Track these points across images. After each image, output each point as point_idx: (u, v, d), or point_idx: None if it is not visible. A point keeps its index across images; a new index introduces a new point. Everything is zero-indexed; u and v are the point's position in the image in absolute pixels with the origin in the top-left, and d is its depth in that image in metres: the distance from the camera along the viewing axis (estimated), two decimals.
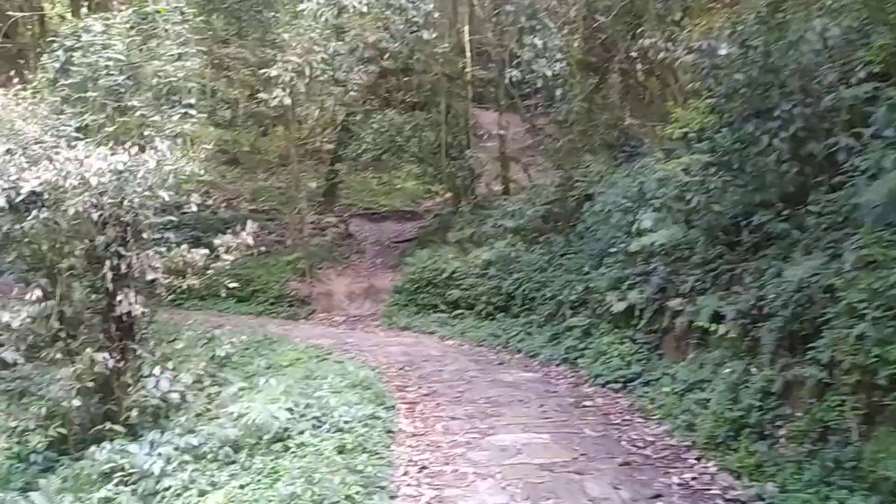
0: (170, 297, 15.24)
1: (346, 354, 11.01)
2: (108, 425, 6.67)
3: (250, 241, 7.86)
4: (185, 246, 7.73)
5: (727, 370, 6.65)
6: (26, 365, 7.05)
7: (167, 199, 6.61)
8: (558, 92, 13.13)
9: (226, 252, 7.83)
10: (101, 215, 6.59)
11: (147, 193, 6.45)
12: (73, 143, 6.39)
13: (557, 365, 10.23)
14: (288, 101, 12.33)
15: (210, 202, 22.72)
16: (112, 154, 6.21)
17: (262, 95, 14.03)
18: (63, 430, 6.57)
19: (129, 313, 6.87)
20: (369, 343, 12.29)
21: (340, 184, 25.05)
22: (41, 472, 6.86)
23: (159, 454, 6.22)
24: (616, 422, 7.66)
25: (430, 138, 17.28)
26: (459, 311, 14.00)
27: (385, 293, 15.99)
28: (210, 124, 26.61)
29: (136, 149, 6.42)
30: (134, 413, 6.70)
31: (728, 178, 7.01)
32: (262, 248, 18.90)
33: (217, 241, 7.91)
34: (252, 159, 26.46)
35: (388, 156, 17.76)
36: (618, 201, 10.41)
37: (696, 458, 6.45)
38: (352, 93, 16.38)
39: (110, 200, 6.39)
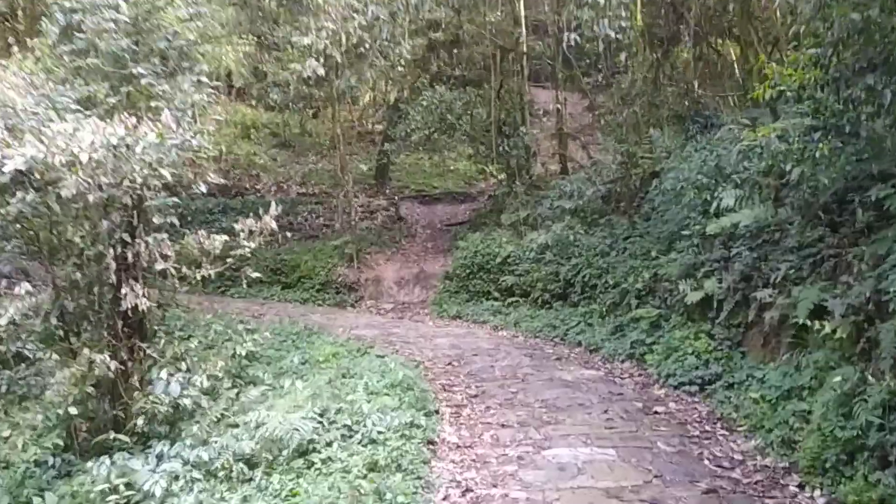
0: (214, 285, 14.52)
1: (390, 348, 10.06)
2: (112, 434, 5.84)
3: (273, 225, 6.91)
4: (202, 232, 6.82)
5: (836, 377, 5.41)
6: (27, 365, 6.30)
7: (169, 178, 5.67)
8: (622, 56, 11.82)
9: (248, 237, 6.86)
10: (101, 197, 5.72)
11: (148, 172, 5.55)
12: (66, 117, 5.51)
13: (622, 361, 9.06)
14: (321, 70, 11.31)
15: (257, 184, 22.23)
16: (107, 127, 5.32)
17: (293, 66, 13.03)
18: (60, 441, 5.77)
19: (136, 308, 6.01)
20: (416, 334, 11.31)
21: (392, 166, 24.23)
22: (56, 478, 6.12)
23: (164, 471, 5.36)
24: (695, 434, 6.49)
25: (483, 115, 16.11)
26: (513, 299, 12.91)
27: (435, 279, 15.00)
28: (261, 106, 26.11)
29: (133, 120, 5.52)
30: (140, 421, 5.85)
31: (838, 145, 5.75)
32: (311, 233, 18.30)
33: (238, 226, 6.95)
34: (302, 142, 25.81)
35: (438, 135, 16.64)
36: (691, 178, 9.13)
37: (797, 486, 5.27)
38: (399, 67, 15.35)
39: (107, 180, 5.50)
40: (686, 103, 11.90)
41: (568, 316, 11.27)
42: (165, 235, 6.40)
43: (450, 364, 9.27)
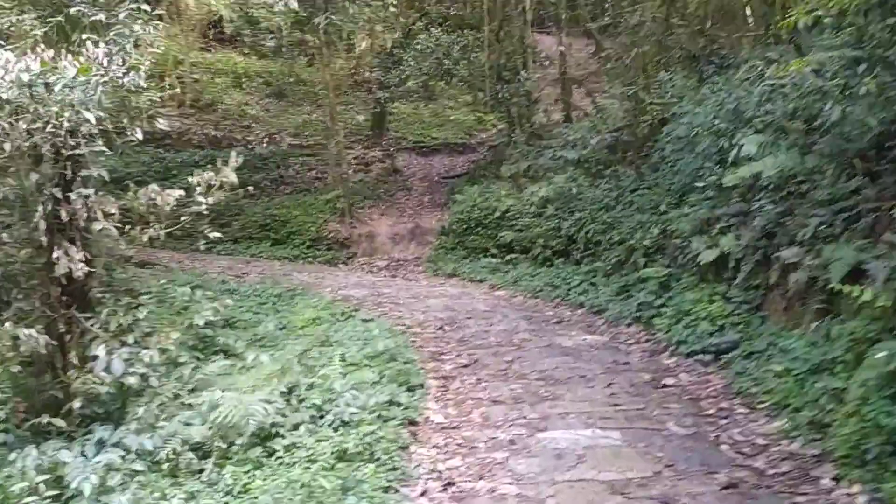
0: (203, 242, 13.70)
1: (378, 310, 9.30)
2: (45, 419, 5.10)
3: (234, 178, 6.04)
4: (153, 186, 5.98)
5: (879, 353, 4.61)
6: None
7: (93, 121, 4.80)
8: None
9: (205, 193, 6.02)
10: (20, 146, 4.87)
11: (70, 115, 4.69)
12: None
13: (628, 325, 8.26)
14: (294, 3, 10.32)
15: (249, 136, 21.26)
16: (19, 62, 4.45)
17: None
18: None
19: (71, 274, 5.21)
20: (408, 294, 10.54)
21: (390, 116, 23.21)
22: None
23: (99, 463, 4.63)
24: (710, 412, 5.72)
25: (482, 60, 15.09)
26: (513, 256, 12.10)
27: (431, 235, 14.18)
28: (254, 55, 24.93)
29: (51, 53, 4.65)
30: (76, 404, 5.10)
31: (885, 80, 4.85)
32: (302, 186, 17.43)
33: (193, 179, 6.11)
34: (296, 91, 24.73)
35: (434, 82, 15.64)
36: (706, 123, 8.21)
37: (832, 479, 4.51)
38: (391, 8, 14.30)
39: (24, 125, 4.65)
40: (700, 42, 10.87)
41: (570, 275, 10.46)
42: (97, 192, 5.51)
43: (441, 329, 8.51)
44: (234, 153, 6.27)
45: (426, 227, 14.73)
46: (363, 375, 6.07)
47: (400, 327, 8.39)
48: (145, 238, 5.61)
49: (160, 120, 6.09)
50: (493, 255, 12.43)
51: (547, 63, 21.71)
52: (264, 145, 20.81)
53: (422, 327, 8.51)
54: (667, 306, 7.90)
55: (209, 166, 6.33)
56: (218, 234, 6.41)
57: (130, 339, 5.51)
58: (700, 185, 8.26)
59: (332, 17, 12.98)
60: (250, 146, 20.40)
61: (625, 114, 12.32)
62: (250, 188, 7.20)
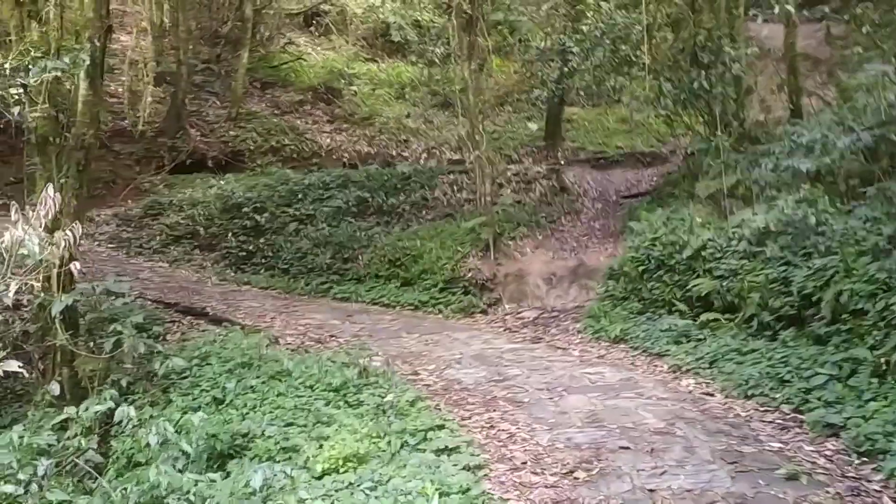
0: (319, 281, 11.04)
1: (482, 418, 5.73)
2: None
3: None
4: None
5: None
6: None
7: None
8: None
9: None
10: None
11: None
12: None
13: None
14: None
15: (405, 151, 18.52)
16: None
17: None
18: None
19: None
20: (542, 381, 6.80)
21: (568, 124, 19.53)
22: None
23: None
24: None
25: (670, 40, 11.00)
26: (710, 317, 7.97)
27: (600, 276, 10.32)
28: (421, 63, 22.17)
29: None
30: None
31: None
32: (447, 210, 14.24)
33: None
34: (465, 100, 21.71)
35: (607, 74, 11.77)
36: None
37: None
38: None
39: None
40: None
41: (809, 361, 6.20)
42: None
43: (571, 474, 4.75)
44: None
45: (593, 264, 10.89)
46: None
47: (500, 467, 4.78)
48: None
49: None
50: (681, 314, 8.37)
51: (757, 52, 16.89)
52: (422, 161, 18.01)
53: (537, 469, 4.81)
54: None
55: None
56: None
57: None
58: None
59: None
60: (408, 161, 17.70)
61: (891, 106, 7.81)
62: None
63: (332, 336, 8.20)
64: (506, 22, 25.18)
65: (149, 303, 9.02)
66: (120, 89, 17.21)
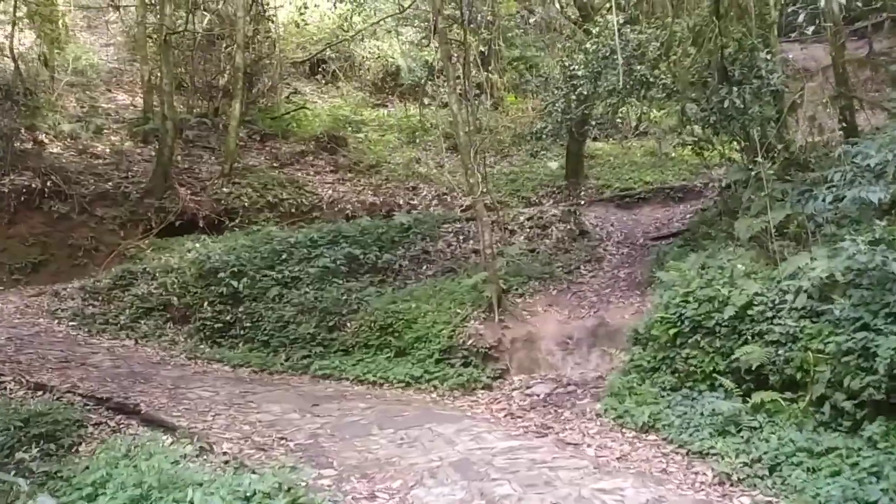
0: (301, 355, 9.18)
1: None
2: None
3: None
4: None
5: None
6: None
7: None
8: None
9: None
10: None
11: None
12: None
13: None
14: None
15: (414, 199, 16.96)
16: None
17: None
18: None
19: None
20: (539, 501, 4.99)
21: (591, 160, 17.85)
22: None
23: None
24: None
25: (692, 53, 9.26)
26: (767, 399, 6.05)
27: (623, 337, 8.44)
28: (434, 104, 20.74)
29: None
30: None
31: None
32: (449, 265, 12.52)
33: None
34: (478, 141, 20.13)
35: (619, 98, 10.02)
36: None
37: None
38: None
39: None
40: None
41: None
42: None
43: None
44: None
45: (616, 323, 9.03)
46: None
47: None
48: None
49: None
50: (727, 392, 6.46)
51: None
52: (432, 208, 16.42)
53: None
54: None
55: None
56: None
57: None
58: None
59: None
60: (415, 209, 16.14)
61: None
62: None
63: (281, 439, 6.46)
64: (522, 59, 23.82)
65: (78, 398, 7.44)
66: (108, 150, 16.09)
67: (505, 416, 7.57)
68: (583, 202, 14.03)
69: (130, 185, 14.92)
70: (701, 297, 7.14)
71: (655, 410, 6.67)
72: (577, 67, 9.54)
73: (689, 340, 7.06)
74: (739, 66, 8.64)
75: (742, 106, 8.44)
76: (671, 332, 7.24)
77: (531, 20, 20.09)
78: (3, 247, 13.55)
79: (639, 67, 9.60)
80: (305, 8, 20.31)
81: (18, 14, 19.42)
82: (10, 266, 13.46)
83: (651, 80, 9.54)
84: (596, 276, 10.58)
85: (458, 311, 9.78)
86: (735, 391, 6.41)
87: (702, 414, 6.31)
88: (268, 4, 19.57)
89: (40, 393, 7.65)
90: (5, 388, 7.75)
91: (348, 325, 10.45)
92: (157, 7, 15.92)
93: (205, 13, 18.64)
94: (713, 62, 8.86)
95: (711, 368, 6.76)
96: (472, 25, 19.44)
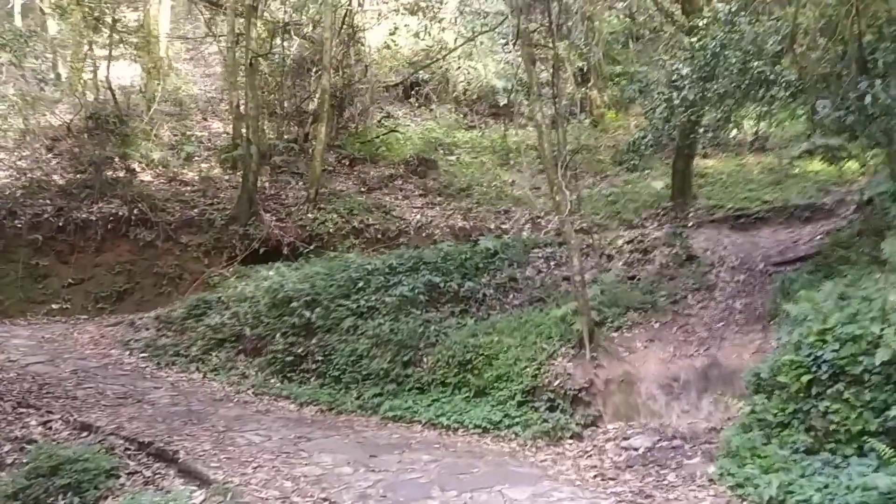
0: (374, 392, 8.11)
1: None
2: None
3: None
4: None
5: None
6: None
7: None
8: None
9: None
10: None
11: None
12: None
13: None
14: None
15: (505, 223, 15.90)
16: None
17: None
18: None
19: None
20: None
21: (701, 178, 16.29)
22: None
23: None
24: None
25: (821, 45, 7.78)
26: None
27: (741, 380, 6.98)
28: (530, 124, 19.68)
29: None
30: None
31: None
32: (537, 294, 11.32)
33: None
34: (577, 161, 18.85)
35: (732, 102, 8.61)
36: None
37: None
38: None
39: None
40: None
41: None
42: None
43: None
44: None
45: (732, 364, 7.58)
46: None
47: None
48: None
49: None
50: (880, 458, 4.99)
51: None
52: (524, 233, 15.32)
53: None
54: None
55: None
56: None
57: None
58: None
59: None
60: (503, 233, 15.12)
61: None
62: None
63: (324, 500, 5.48)
64: (625, 74, 22.43)
65: (120, 441, 6.79)
66: (196, 177, 15.98)
67: (595, 476, 6.31)
68: (691, 223, 12.53)
69: (215, 212, 14.66)
70: (842, 336, 5.68)
71: (786, 480, 5.25)
72: (680, 67, 8.22)
73: (829, 391, 5.61)
74: (884, 54, 7.10)
75: (888, 102, 6.90)
76: (804, 378, 5.80)
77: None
78: (90, 275, 13.51)
79: (756, 64, 8.20)
80: (396, 29, 19.87)
81: (122, 49, 19.94)
82: (96, 294, 13.38)
83: (771, 77, 8.10)
84: (706, 307, 9.12)
85: (545, 346, 8.59)
86: (892, 459, 4.92)
87: (849, 488, 4.86)
88: (358, 27, 19.23)
89: (84, 434, 7.07)
90: (50, 428, 7.23)
91: (425, 360, 9.47)
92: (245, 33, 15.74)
93: (294, 38, 18.48)
94: (850, 52, 7.36)
95: (860, 428, 5.29)
96: (567, 41, 18.43)
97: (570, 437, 7.51)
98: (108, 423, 7.27)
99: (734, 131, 11.43)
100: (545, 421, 7.73)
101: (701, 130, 9.24)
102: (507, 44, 13.42)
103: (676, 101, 8.62)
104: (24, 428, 7.15)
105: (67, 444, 6.79)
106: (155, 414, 7.82)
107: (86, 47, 17.22)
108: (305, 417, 8.45)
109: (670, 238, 11.17)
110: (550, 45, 13.04)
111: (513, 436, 7.65)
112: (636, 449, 6.92)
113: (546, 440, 7.49)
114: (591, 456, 6.99)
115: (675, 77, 8.94)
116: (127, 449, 6.70)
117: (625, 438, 7.28)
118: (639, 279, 10.24)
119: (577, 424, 7.65)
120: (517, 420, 7.86)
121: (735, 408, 6.77)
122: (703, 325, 8.60)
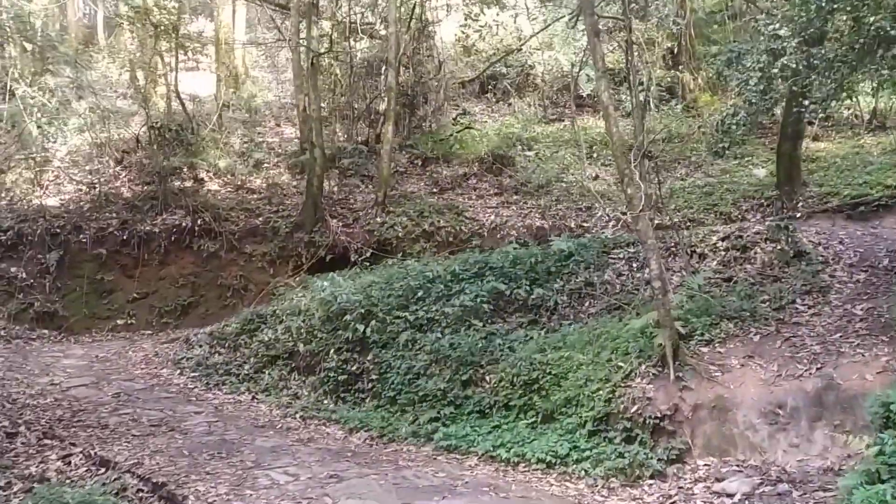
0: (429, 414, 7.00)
1: None
2: None
3: None
4: None
5: None
6: None
7: None
8: None
9: None
10: None
11: None
12: None
13: None
14: None
15: (585, 221, 14.57)
16: None
17: None
18: None
19: None
20: None
21: (811, 163, 14.52)
22: None
23: None
24: None
25: None
26: None
27: (866, 407, 5.54)
28: (617, 114, 18.20)
29: None
30: None
31: None
32: (616, 301, 9.99)
33: None
34: (669, 152, 17.24)
35: (850, 66, 7.11)
36: None
37: None
38: None
39: None
40: None
41: None
42: None
43: None
44: None
45: (852, 387, 6.12)
46: None
47: None
48: None
49: None
50: None
51: None
52: (608, 232, 13.96)
53: None
54: None
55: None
56: None
57: None
58: None
59: None
60: (583, 233, 13.81)
61: None
62: None
63: None
64: (722, 53, 20.56)
65: (135, 481, 6.12)
66: (264, 184, 15.54)
67: None
68: (799, 214, 10.89)
69: (280, 220, 14.12)
70: None
71: None
72: (776, 26, 6.81)
73: None
74: None
75: None
76: None
77: None
78: (154, 288, 13.23)
79: (871, 19, 6.70)
80: (472, 19, 18.81)
81: (197, 59, 19.89)
82: (161, 309, 13.08)
83: (892, 33, 6.58)
84: (819, 314, 7.60)
85: (621, 363, 7.36)
86: None
87: None
88: (428, 21, 18.35)
89: (102, 471, 6.45)
90: (69, 464, 6.66)
91: (486, 378, 8.43)
92: (306, 33, 15.17)
93: (363, 37, 17.83)
94: None
95: None
96: (653, 20, 16.91)
97: (651, 477, 6.27)
98: (129, 458, 6.64)
99: (847, 103, 9.72)
100: (620, 455, 6.52)
101: (807, 103, 7.72)
102: (571, 18, 12.24)
103: (776, 70, 7.18)
104: (42, 463, 6.62)
105: (81, 481, 6.20)
106: (183, 445, 7.14)
107: (157, 59, 17.15)
108: (349, 448, 7.56)
109: (774, 232, 9.59)
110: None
111: (581, 473, 6.49)
112: (731, 495, 5.61)
113: (621, 479, 6.29)
114: (676, 502, 5.74)
115: (772, 42, 7.50)
116: (140, 490, 6.02)
117: (717, 480, 5.98)
118: (735, 281, 8.77)
119: (658, 460, 6.40)
120: (587, 454, 6.68)
121: (857, 443, 5.34)
122: (814, 336, 7.12)
